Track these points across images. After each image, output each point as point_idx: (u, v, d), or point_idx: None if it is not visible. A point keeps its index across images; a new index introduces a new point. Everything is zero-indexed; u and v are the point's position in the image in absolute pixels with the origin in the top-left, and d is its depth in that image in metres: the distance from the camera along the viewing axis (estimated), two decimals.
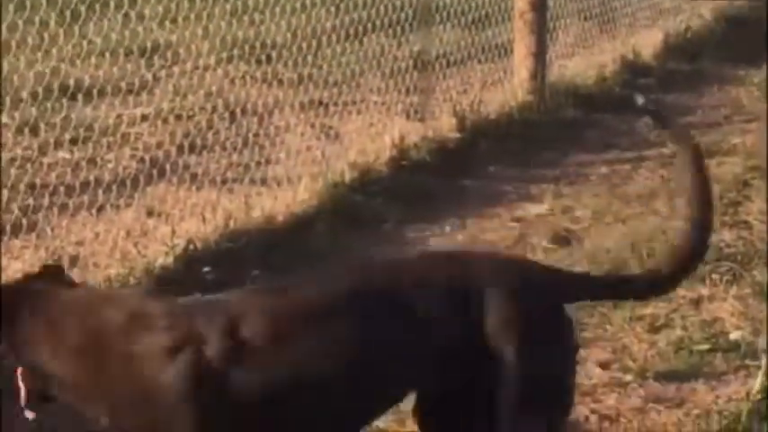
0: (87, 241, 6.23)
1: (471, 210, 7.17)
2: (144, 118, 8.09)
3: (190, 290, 5.39)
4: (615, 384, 5.19)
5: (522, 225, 7.03)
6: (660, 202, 7.24)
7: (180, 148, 7.47)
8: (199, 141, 7.57)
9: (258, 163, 7.38)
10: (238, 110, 7.78)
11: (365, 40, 8.94)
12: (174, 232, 6.33)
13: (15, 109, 7.44)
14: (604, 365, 5.41)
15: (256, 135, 7.59)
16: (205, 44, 8.58)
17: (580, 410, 5.02)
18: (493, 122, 8.25)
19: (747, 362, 5.38)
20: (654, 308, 5.80)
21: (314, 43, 8.59)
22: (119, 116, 7.84)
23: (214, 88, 8.27)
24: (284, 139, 7.69)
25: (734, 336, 5.65)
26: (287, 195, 6.90)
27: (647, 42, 10.14)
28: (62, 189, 6.50)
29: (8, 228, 6.12)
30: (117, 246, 6.17)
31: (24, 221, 6.17)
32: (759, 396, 5.02)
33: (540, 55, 8.65)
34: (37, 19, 7.33)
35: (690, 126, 8.76)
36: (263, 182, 7.17)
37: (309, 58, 8.54)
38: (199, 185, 7.08)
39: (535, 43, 8.61)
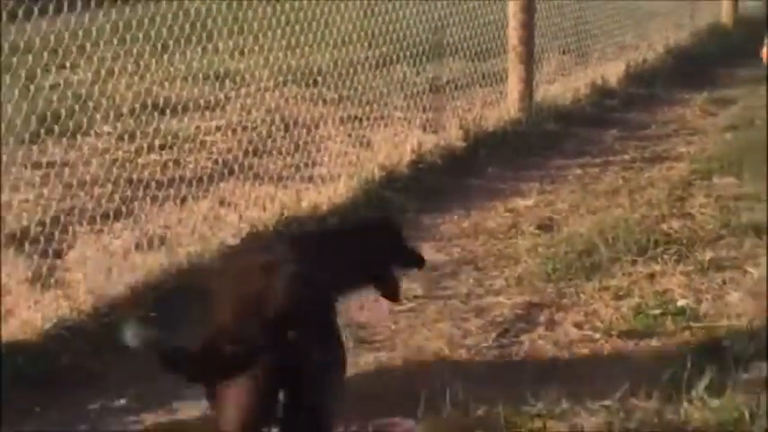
0: (172, 225, 6.23)
1: (474, 202, 7.18)
2: (217, 128, 8.11)
3: None
4: (587, 341, 5.19)
5: (514, 215, 7.03)
6: (622, 198, 7.22)
7: (245, 153, 7.46)
8: (260, 147, 7.57)
9: (306, 164, 7.38)
10: (291, 122, 7.79)
11: (391, 68, 8.95)
12: (240, 218, 6.33)
13: (117, 121, 7.47)
14: (578, 326, 5.40)
15: (305, 143, 7.60)
16: (265, 71, 8.58)
17: (558, 361, 5.02)
18: (491, 134, 8.24)
19: (691, 324, 5.37)
20: (618, 280, 5.80)
21: (351, 71, 8.60)
22: (197, 127, 7.90)
23: (273, 105, 8.28)
24: (327, 146, 7.68)
25: (681, 303, 5.63)
26: (329, 190, 6.89)
27: (613, 71, 10.13)
28: (153, 184, 6.53)
29: (112, 213, 6.15)
30: (195, 229, 6.16)
31: (124, 209, 6.20)
32: (698, 350, 5.02)
33: (528, 81, 8.63)
34: (135, 51, 7.35)
35: (646, 137, 8.78)
36: (311, 179, 7.16)
37: (347, 82, 8.54)
38: (260, 182, 7.08)
39: (524, 72, 8.59)
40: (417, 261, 4.38)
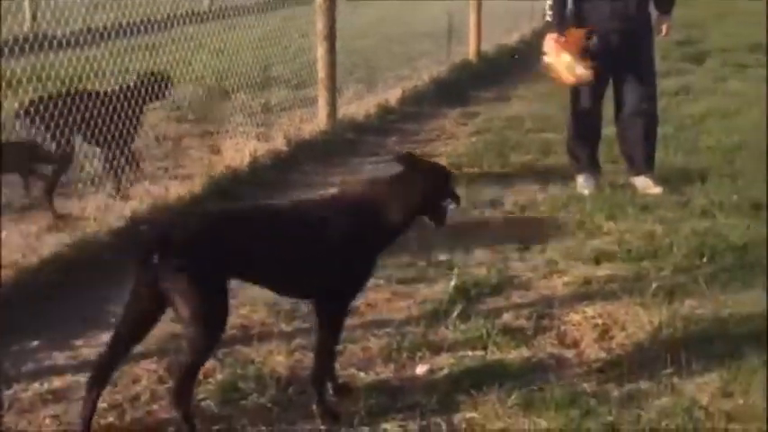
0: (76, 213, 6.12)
1: (296, 192, 7.06)
2: None
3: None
4: (375, 286, 5.18)
5: None
6: None
7: None
8: (144, 155, 7.42)
9: (174, 167, 7.31)
10: (161, 137, 7.68)
11: (234, 96, 8.84)
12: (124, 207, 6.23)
13: None
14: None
15: (173, 151, 7.51)
16: None
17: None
18: (307, 141, 8.26)
19: (447, 272, 5.45)
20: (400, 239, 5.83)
21: (205, 98, 8.54)
22: None
23: (148, 125, 8.13)
24: (189, 153, 7.61)
25: (441, 257, 5.72)
26: (190, 184, 6.83)
27: (393, 95, 10.20)
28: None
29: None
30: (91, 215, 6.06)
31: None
32: (452, 291, 5.11)
33: (332, 103, 8.67)
34: (48, 86, 7.18)
35: (417, 141, 8.86)
36: (176, 177, 7.10)
37: (202, 107, 8.46)
38: (142, 179, 6.98)
39: (330, 97, 8.62)
40: (457, 199, 4.15)
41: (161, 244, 3.58)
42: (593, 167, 7.15)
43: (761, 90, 10.60)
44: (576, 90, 6.97)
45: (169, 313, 4.87)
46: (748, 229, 6.04)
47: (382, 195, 3.94)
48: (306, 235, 3.81)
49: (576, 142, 7.14)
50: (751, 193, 6.73)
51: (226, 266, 3.68)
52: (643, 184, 6.98)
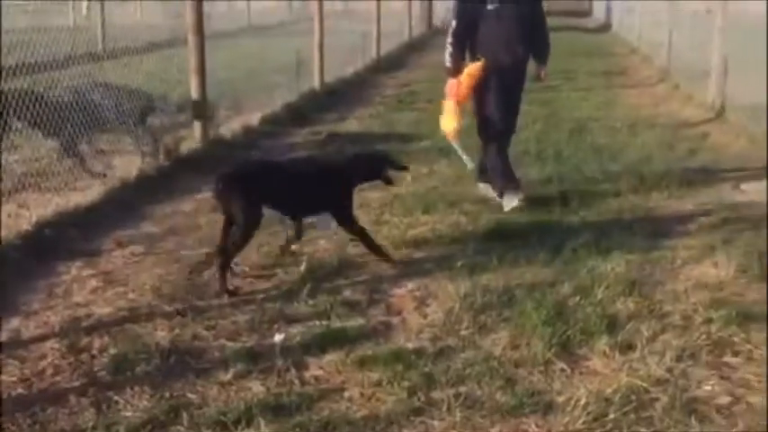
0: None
1: (177, 194, 6.92)
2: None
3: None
4: (242, 271, 5.07)
5: (200, 202, 6.81)
6: None
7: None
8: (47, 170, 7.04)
9: (74, 180, 6.94)
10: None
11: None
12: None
13: None
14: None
15: (74, 167, 7.15)
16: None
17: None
18: (185, 156, 8.03)
19: (299, 258, 5.34)
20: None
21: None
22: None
23: (52, 146, 7.73)
24: (87, 169, 7.24)
25: (293, 247, 5.59)
26: (88, 194, 6.52)
27: (255, 118, 10.04)
28: None
29: None
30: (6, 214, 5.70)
31: None
32: (303, 273, 5.04)
33: (205, 126, 8.49)
34: None
35: (275, 155, 8.66)
36: (75, 188, 6.74)
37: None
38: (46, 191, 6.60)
39: (202, 120, 8.42)
40: (403, 167, 5.47)
41: (225, 179, 4.77)
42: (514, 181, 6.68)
43: (540, 110, 10.85)
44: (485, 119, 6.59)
45: (69, 299, 4.72)
46: (531, 217, 6.19)
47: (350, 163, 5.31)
48: (310, 177, 5.07)
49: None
50: (533, 190, 6.87)
51: (261, 195, 4.81)
52: (508, 199, 6.52)
